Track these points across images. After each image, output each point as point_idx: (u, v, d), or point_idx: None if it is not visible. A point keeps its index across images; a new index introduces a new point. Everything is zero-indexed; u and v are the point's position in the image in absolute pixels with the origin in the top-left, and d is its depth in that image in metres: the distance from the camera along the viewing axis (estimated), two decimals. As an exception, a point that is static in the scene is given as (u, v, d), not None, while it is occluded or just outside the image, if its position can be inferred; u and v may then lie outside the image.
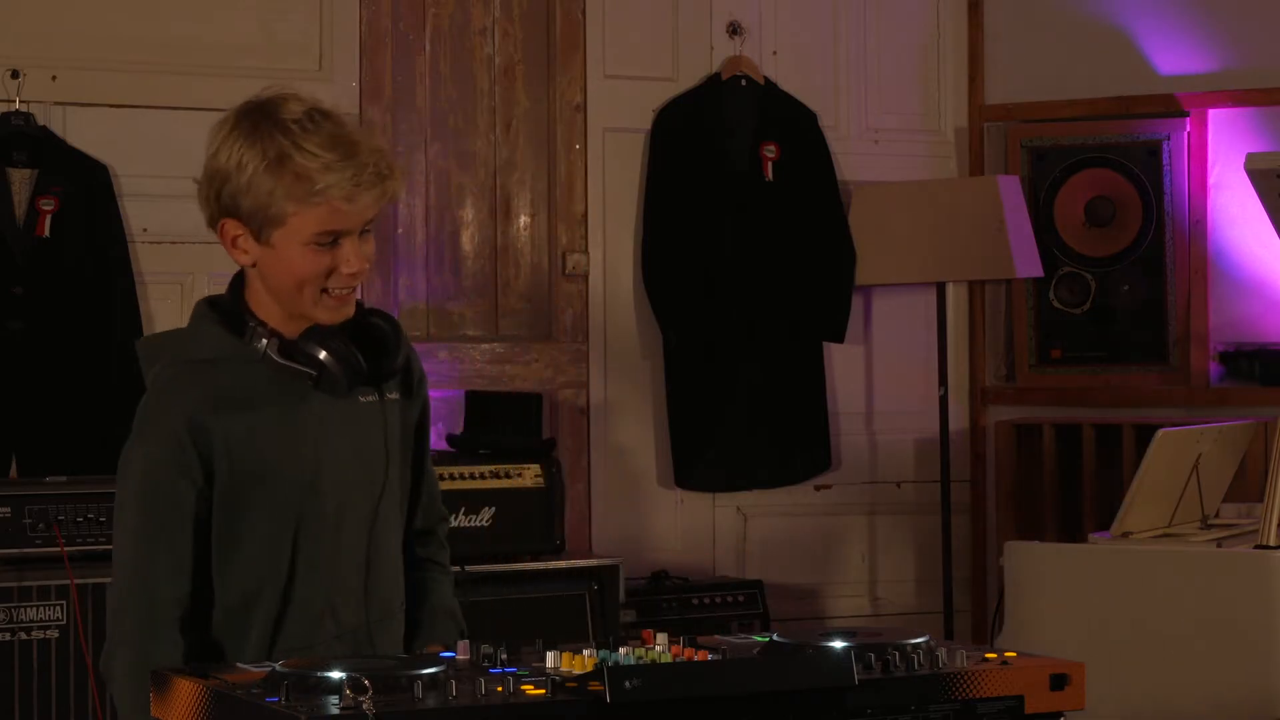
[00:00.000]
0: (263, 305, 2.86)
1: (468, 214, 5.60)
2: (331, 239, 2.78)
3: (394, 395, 2.97)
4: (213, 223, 2.83)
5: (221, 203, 2.80)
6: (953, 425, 5.85)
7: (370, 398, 2.92)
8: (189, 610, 2.81)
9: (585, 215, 5.65)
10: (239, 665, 2.56)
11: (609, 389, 5.67)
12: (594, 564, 5.02)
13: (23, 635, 4.29)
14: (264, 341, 2.83)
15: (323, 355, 2.82)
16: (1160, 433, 4.25)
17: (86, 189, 4.94)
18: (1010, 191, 5.73)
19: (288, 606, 2.85)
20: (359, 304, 2.92)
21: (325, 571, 2.87)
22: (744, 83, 5.78)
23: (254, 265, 2.82)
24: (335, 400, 2.87)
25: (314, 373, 2.82)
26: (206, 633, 2.84)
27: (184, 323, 2.95)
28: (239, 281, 2.89)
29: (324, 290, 2.81)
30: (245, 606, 2.84)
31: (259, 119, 2.78)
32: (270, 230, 2.78)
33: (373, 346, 2.90)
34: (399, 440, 2.97)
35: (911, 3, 6.07)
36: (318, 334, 2.83)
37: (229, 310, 2.87)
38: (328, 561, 2.87)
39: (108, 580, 2.82)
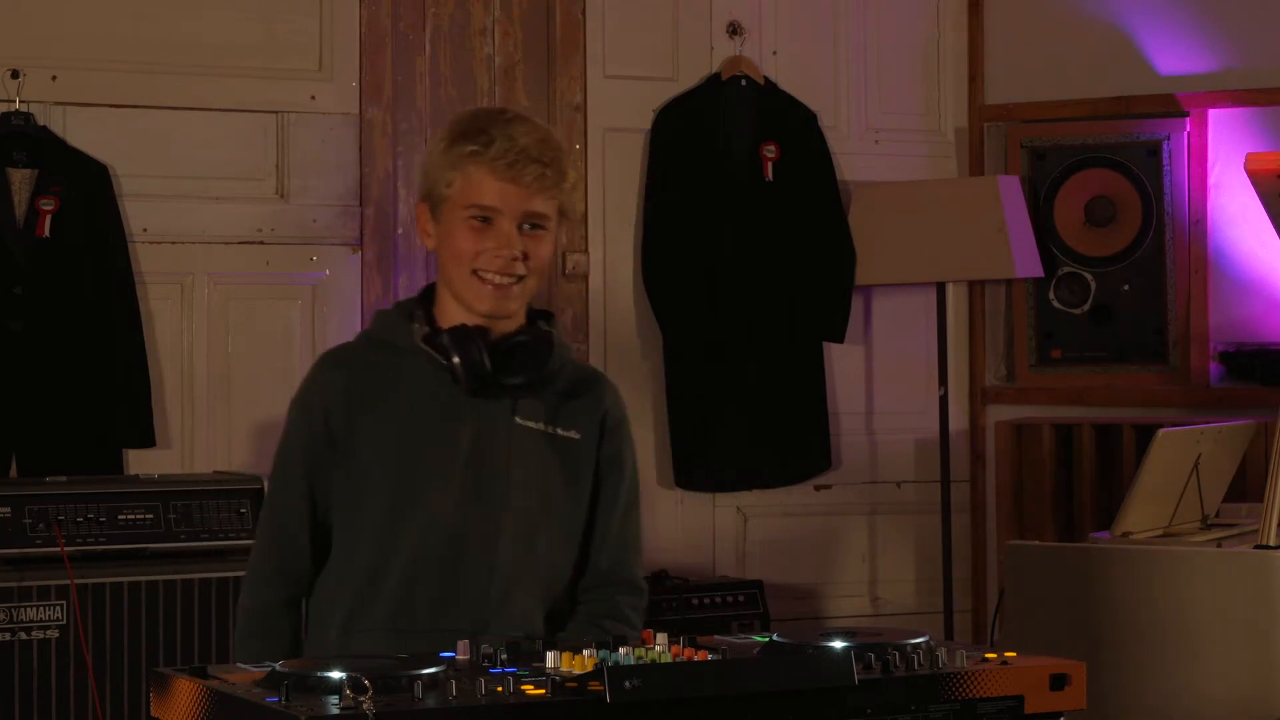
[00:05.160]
0: (443, 302, 2.97)
1: (468, 214, 5.59)
2: (484, 216, 2.88)
3: (572, 434, 2.96)
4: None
5: (421, 188, 2.96)
6: (952, 425, 5.85)
7: (532, 423, 2.93)
8: (303, 565, 2.95)
9: (585, 215, 5.65)
10: (239, 665, 2.56)
11: (609, 389, 5.65)
12: (594, 564, 5.01)
13: (23, 635, 4.29)
14: (416, 326, 2.94)
15: (451, 349, 2.89)
16: (1160, 433, 4.25)
17: (86, 189, 4.93)
18: (1010, 191, 5.72)
19: (375, 591, 2.91)
20: (535, 321, 2.98)
21: (422, 569, 2.90)
22: (744, 83, 5.78)
23: (436, 250, 2.96)
24: (480, 408, 2.91)
25: (444, 361, 2.89)
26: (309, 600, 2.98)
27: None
28: (431, 287, 3.02)
29: (475, 272, 2.89)
30: (338, 583, 2.94)
31: (463, 114, 2.98)
32: (441, 205, 2.91)
33: (523, 358, 2.93)
34: (537, 471, 2.95)
35: (911, 3, 6.07)
36: (459, 329, 2.91)
37: (411, 304, 3.02)
38: (424, 561, 2.90)
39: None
